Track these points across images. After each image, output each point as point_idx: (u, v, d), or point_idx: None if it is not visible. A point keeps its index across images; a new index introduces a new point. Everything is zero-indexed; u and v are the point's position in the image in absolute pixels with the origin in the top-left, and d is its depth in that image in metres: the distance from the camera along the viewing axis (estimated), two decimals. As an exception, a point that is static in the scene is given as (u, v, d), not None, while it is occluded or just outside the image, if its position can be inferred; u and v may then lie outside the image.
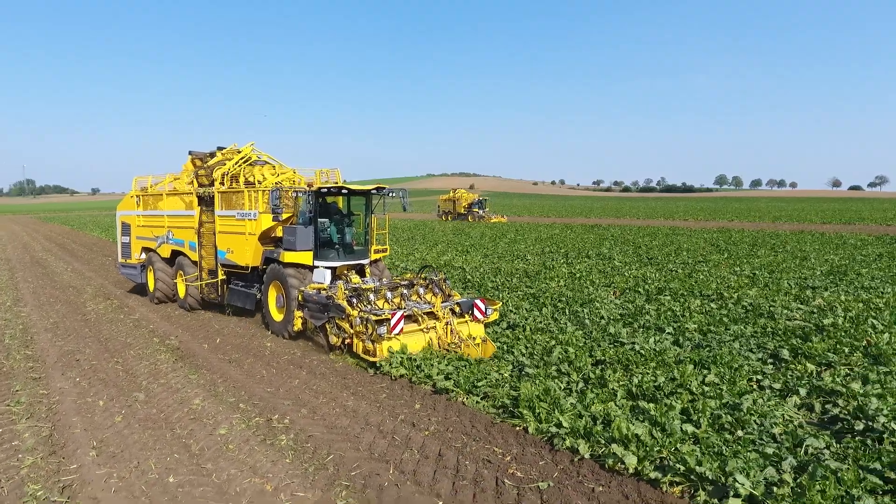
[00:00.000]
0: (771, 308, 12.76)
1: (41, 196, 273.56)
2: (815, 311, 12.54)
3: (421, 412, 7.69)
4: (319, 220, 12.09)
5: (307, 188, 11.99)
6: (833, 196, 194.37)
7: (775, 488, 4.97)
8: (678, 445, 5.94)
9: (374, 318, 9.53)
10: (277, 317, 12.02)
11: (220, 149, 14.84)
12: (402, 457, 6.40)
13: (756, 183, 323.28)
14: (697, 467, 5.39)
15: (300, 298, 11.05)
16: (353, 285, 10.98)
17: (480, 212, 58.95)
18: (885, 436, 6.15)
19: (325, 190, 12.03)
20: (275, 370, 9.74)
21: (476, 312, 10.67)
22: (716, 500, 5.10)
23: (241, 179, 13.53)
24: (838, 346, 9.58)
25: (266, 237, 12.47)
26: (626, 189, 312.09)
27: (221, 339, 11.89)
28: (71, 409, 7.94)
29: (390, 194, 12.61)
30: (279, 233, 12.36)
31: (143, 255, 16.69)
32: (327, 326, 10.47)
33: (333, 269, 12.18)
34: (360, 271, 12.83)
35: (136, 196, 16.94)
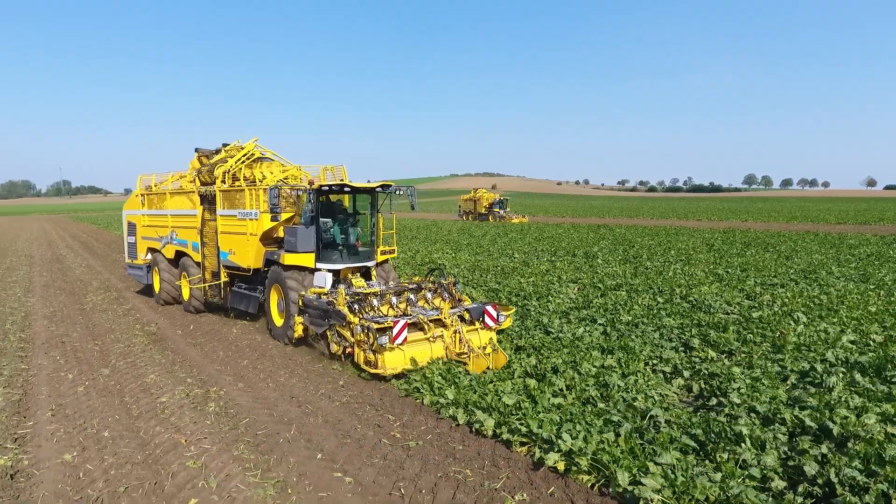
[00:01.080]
0: (713, 303, 13.38)
1: (77, 196, 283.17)
2: (757, 305, 13.13)
3: (342, 388, 8.68)
4: (322, 219, 11.52)
5: (308, 186, 11.35)
6: (865, 196, 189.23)
7: (582, 444, 5.81)
8: (539, 414, 6.79)
9: (375, 326, 8.84)
10: (279, 322, 11.57)
11: (225, 146, 14.19)
12: (307, 421, 7.40)
13: (787, 182, 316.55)
14: (537, 429, 6.26)
15: (300, 303, 10.59)
16: (356, 290, 10.40)
17: (501, 212, 58.33)
18: (725, 409, 6.91)
19: (327, 188, 11.37)
20: (231, 352, 10.84)
21: (487, 319, 9.85)
22: (545, 455, 5.95)
23: (243, 177, 12.95)
24: (749, 337, 10.25)
25: (268, 238, 12.03)
26: (652, 189, 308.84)
27: (195, 326, 13.07)
28: (43, 381, 9.16)
29: (397, 192, 11.92)
30: (281, 233, 11.93)
31: (149, 256, 16.53)
32: (328, 334, 9.83)
33: (337, 272, 11.55)
34: (367, 274, 12.22)
35: (141, 195, 16.61)
